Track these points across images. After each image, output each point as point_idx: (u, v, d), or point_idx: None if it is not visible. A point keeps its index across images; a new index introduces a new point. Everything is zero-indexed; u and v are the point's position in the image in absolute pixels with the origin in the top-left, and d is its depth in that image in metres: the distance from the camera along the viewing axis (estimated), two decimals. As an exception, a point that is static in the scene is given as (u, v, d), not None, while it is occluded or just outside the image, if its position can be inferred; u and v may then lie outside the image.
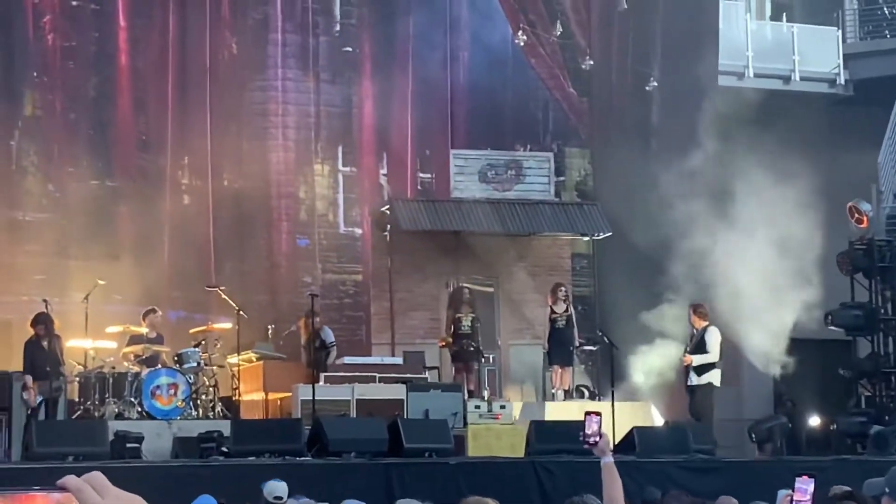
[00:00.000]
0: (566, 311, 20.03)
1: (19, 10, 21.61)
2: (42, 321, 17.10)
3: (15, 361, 17.72)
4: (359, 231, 23.52)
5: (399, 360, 19.91)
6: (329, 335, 19.54)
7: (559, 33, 23.54)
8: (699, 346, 18.56)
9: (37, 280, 20.92)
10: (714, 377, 18.55)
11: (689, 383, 18.63)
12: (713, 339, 18.55)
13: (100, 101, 22.14)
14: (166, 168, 22.21)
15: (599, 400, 19.54)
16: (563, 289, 20.37)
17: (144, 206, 21.76)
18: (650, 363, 19.61)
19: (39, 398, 16.64)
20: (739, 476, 15.71)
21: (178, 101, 22.39)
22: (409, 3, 23.53)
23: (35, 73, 21.85)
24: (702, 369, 18.46)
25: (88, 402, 17.28)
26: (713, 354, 18.50)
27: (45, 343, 16.95)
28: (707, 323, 18.69)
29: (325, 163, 23.56)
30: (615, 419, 16.54)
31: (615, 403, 17.64)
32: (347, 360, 19.28)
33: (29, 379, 16.82)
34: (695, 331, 18.77)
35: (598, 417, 6.69)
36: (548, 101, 24.26)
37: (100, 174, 21.93)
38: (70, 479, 2.48)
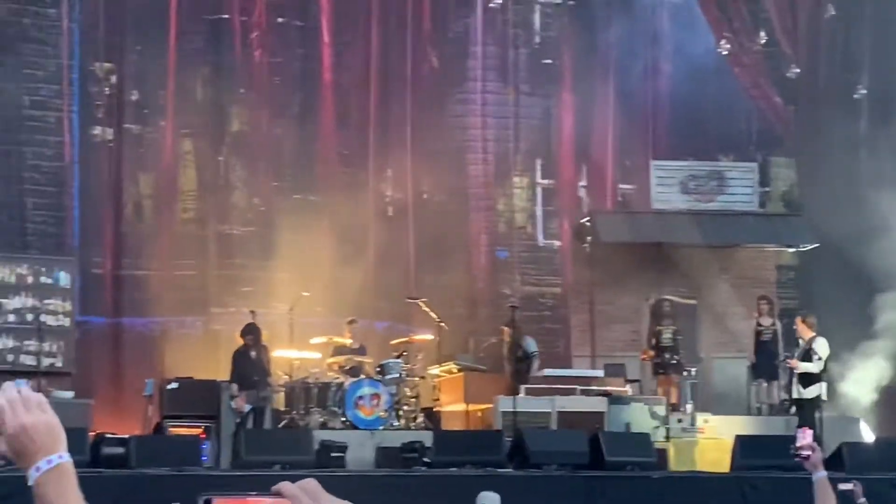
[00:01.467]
0: (772, 324, 19.70)
1: (228, 28, 22.14)
2: (251, 332, 17.47)
3: (223, 371, 18.13)
4: (557, 243, 23.44)
5: (600, 373, 19.77)
6: (531, 345, 19.52)
7: (764, 42, 23.15)
8: (805, 357, 18.10)
9: (244, 292, 21.37)
10: (821, 390, 18.00)
11: (794, 396, 18.18)
12: (821, 349, 18.04)
13: (304, 116, 22.52)
14: (368, 181, 22.47)
15: (806, 415, 19.09)
16: (767, 302, 20.01)
17: (347, 220, 22.04)
18: (863, 377, 19.11)
19: (248, 407, 16.98)
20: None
21: (379, 116, 22.66)
22: (610, 14, 23.37)
23: (242, 90, 22.35)
24: (807, 381, 17.90)
25: (294, 412, 17.56)
26: (817, 365, 17.96)
27: (252, 353, 17.31)
28: (814, 334, 18.20)
29: (524, 175, 23.56)
30: (823, 434, 16.14)
31: (823, 418, 17.22)
32: (548, 372, 19.22)
33: (235, 388, 17.18)
34: (801, 341, 18.34)
35: (811, 431, 6.53)
36: (752, 111, 23.84)
37: (303, 188, 22.29)
38: (285, 486, 2.50)
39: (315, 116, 22.49)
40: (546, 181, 23.60)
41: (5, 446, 2.87)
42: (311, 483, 2.52)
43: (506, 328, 19.37)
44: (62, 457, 2.84)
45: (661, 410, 18.09)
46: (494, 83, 23.32)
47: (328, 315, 20.01)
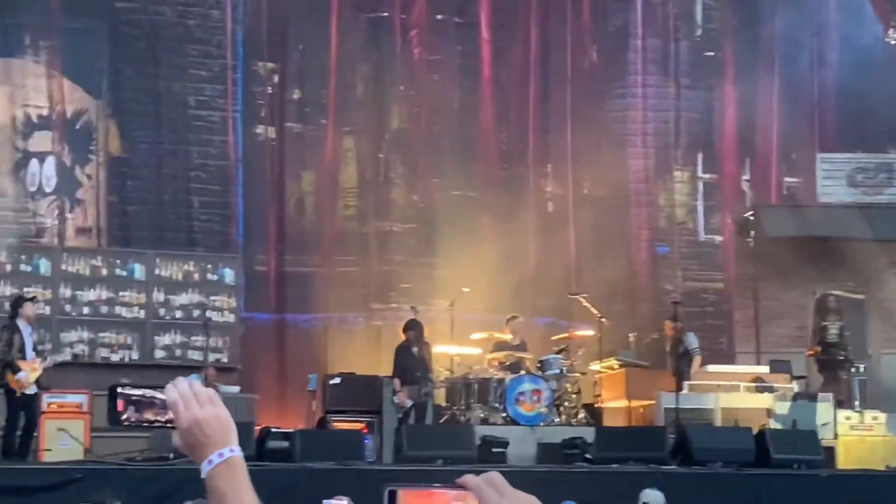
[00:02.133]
0: (944, 319, 19.19)
1: (388, 26, 22.30)
2: (412, 327, 17.55)
3: (384, 367, 18.25)
4: (719, 238, 23.15)
5: (765, 369, 19.42)
6: (693, 341, 19.26)
7: (934, 30, 22.57)
8: None
9: (404, 288, 21.51)
10: None
11: None
12: None
13: (463, 112, 22.58)
14: (528, 177, 22.44)
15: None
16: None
17: (506, 216, 22.04)
18: None
19: (409, 402, 17.06)
20: None
21: (539, 111, 22.62)
22: (775, 5, 22.97)
23: (402, 87, 22.49)
24: None
25: (455, 408, 17.60)
26: None
27: (414, 349, 17.38)
28: None
29: (685, 169, 23.31)
30: None
31: None
32: (711, 368, 18.95)
33: (397, 383, 17.28)
34: None
35: None
36: (922, 102, 23.24)
37: (462, 185, 22.34)
38: (470, 479, 2.48)
39: (474, 113, 22.53)
40: (707, 175, 23.33)
41: (178, 440, 2.89)
42: (496, 476, 2.50)
43: (669, 323, 19.14)
44: (233, 450, 2.86)
45: (828, 408, 17.69)
46: (655, 76, 23.12)
47: (488, 311, 20.02)
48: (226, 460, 2.84)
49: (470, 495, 2.46)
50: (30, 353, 15.63)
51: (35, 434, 15.54)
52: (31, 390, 15.55)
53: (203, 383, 3.14)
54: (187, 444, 2.88)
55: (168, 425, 2.97)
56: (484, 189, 22.34)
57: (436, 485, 2.48)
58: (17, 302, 16.22)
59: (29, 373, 15.45)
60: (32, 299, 16.45)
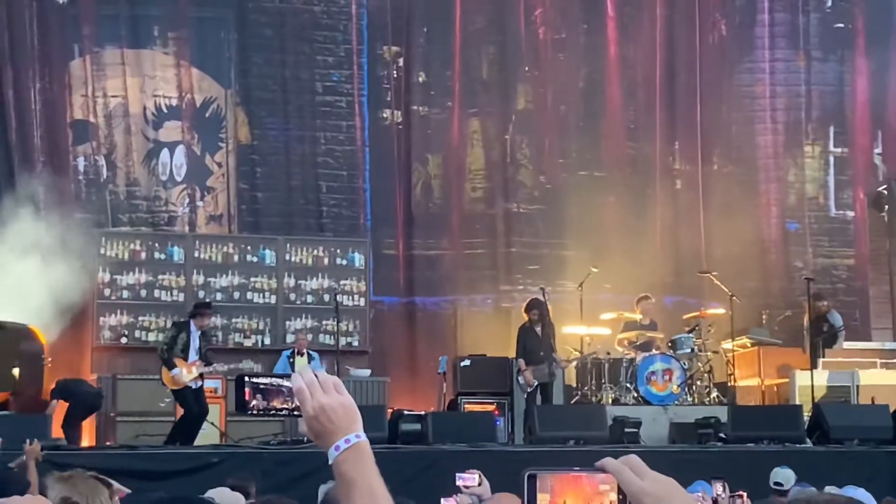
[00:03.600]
0: None
1: (511, 7, 22.25)
2: (535, 306, 17.47)
3: (514, 348, 18.22)
4: (850, 214, 22.76)
5: (902, 346, 19.09)
6: (838, 319, 18.98)
7: None
8: None
9: (532, 269, 21.48)
10: None
11: None
12: None
13: (589, 91, 22.45)
14: (655, 155, 22.26)
15: None
16: None
17: (633, 195, 21.91)
18: None
19: (535, 382, 17.01)
20: None
21: (666, 88, 22.41)
22: (906, -27, 22.54)
23: (527, 68, 22.42)
24: None
25: (585, 388, 17.57)
26: None
27: (538, 328, 17.32)
28: None
29: (816, 144, 22.95)
30: None
31: None
32: (847, 345, 18.67)
33: (522, 363, 17.23)
34: None
35: None
36: None
37: (589, 165, 22.23)
38: (609, 461, 2.48)
39: (601, 91, 22.39)
40: (839, 149, 22.94)
41: (305, 427, 2.93)
42: (635, 459, 2.50)
43: (817, 301, 18.80)
44: (359, 436, 2.90)
45: (967, 384, 17.33)
46: (784, 50, 22.78)
47: (617, 291, 19.92)
48: (352, 446, 2.89)
49: (610, 478, 2.45)
50: (193, 355, 15.93)
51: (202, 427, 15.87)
52: (195, 385, 15.87)
53: (329, 370, 3.18)
54: (314, 431, 2.93)
55: (294, 413, 3.02)
56: (611, 168, 22.21)
57: (575, 468, 2.47)
58: (197, 307, 16.66)
59: (183, 371, 15.74)
60: (209, 307, 16.80)
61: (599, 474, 2.45)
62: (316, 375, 2.95)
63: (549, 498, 2.45)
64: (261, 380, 3.21)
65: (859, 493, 8.48)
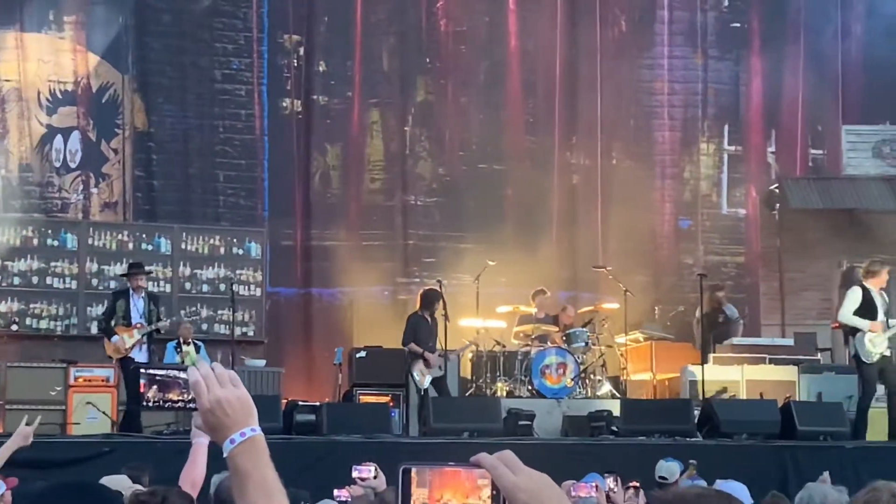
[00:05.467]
0: (970, 291, 19.05)
1: (414, -2, 22.27)
2: (430, 296, 17.42)
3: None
4: (742, 211, 23.10)
5: (790, 342, 19.42)
6: (733, 311, 19.25)
7: (961, 0, 22.41)
8: None
9: (428, 262, 21.53)
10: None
11: None
12: None
13: (489, 84, 22.53)
14: (554, 149, 22.40)
15: None
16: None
17: (532, 188, 22.03)
18: None
19: (428, 378, 16.95)
20: None
21: (566, 82, 22.55)
22: (801, -25, 22.90)
23: (428, 60, 22.46)
24: None
25: (480, 380, 17.64)
26: None
27: (429, 319, 17.23)
28: None
29: (711, 142, 23.25)
30: None
31: None
32: (736, 341, 18.96)
33: (414, 346, 17.06)
34: None
35: None
36: (948, 73, 23.10)
37: (488, 157, 22.32)
38: (483, 457, 2.50)
39: (501, 85, 22.48)
40: (733, 147, 23.25)
41: (200, 421, 2.95)
42: (509, 454, 2.52)
43: (717, 293, 19.04)
44: (255, 430, 2.93)
45: (853, 380, 17.65)
46: (682, 48, 23.05)
47: (512, 285, 20.02)
48: (247, 439, 2.91)
49: (484, 473, 2.47)
50: (136, 319, 15.66)
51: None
52: (140, 357, 15.55)
53: (224, 362, 3.19)
54: (209, 425, 2.95)
55: (189, 406, 3.04)
56: (510, 161, 22.32)
57: (450, 463, 2.49)
58: (129, 269, 16.35)
59: (124, 336, 15.43)
60: (137, 268, 16.34)
61: (464, 469, 2.48)
62: (212, 368, 2.97)
63: (428, 492, 2.47)
64: (157, 371, 3.21)
65: (734, 486, 8.61)
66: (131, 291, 15.89)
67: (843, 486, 8.05)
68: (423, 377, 16.72)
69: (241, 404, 2.95)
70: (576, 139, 22.61)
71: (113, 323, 15.69)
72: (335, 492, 7.33)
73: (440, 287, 17.47)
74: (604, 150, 22.49)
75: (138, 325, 15.56)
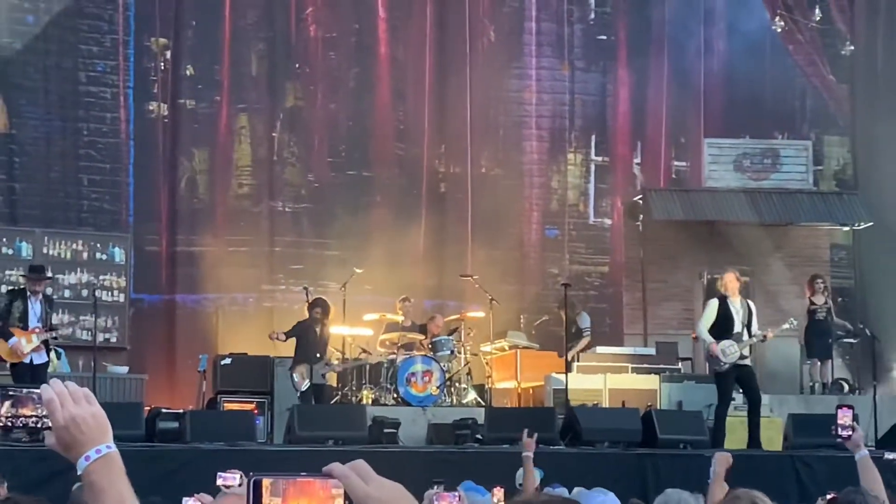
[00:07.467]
0: (825, 303, 19.53)
1: (283, 4, 22.19)
2: (319, 305, 17.40)
3: (275, 347, 18.16)
4: (608, 221, 23.39)
5: (652, 351, 19.71)
6: (585, 320, 19.48)
7: (818, 19, 22.94)
8: None
9: (295, 269, 21.47)
10: None
11: None
12: None
13: (359, 91, 22.55)
14: (423, 157, 22.47)
15: (859, 394, 18.99)
16: (821, 280, 19.84)
17: (400, 196, 22.08)
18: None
19: (307, 383, 16.91)
20: None
21: (436, 90, 22.64)
22: (664, -10, 23.27)
23: (297, 65, 22.40)
24: None
25: (346, 388, 17.62)
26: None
27: (317, 328, 17.24)
28: None
29: (578, 152, 23.52)
30: (877, 414, 16.03)
31: (877, 398, 17.10)
32: (599, 349, 19.20)
33: (280, 333, 17.07)
34: None
35: (850, 411, 6.54)
36: (805, 89, 23.66)
37: (357, 164, 22.33)
38: (336, 467, 2.52)
39: (370, 91, 22.51)
40: (600, 158, 23.54)
41: (53, 439, 2.94)
42: (361, 464, 2.55)
43: (571, 310, 19.25)
44: (110, 447, 2.93)
45: (713, 389, 17.97)
46: (549, 59, 23.28)
47: (378, 292, 20.04)
48: (103, 456, 2.91)
49: (337, 483, 2.49)
50: (34, 322, 15.30)
51: None
52: (39, 360, 15.18)
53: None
54: (63, 443, 2.93)
55: (41, 424, 3.02)
56: (379, 168, 22.35)
57: (302, 474, 2.51)
58: (28, 272, 16.02)
59: (22, 340, 15.07)
60: (37, 272, 16.02)
61: (317, 479, 2.50)
62: (66, 386, 2.95)
63: (282, 501, 2.48)
64: (10, 387, 3.18)
65: (609, 498, 8.63)
66: (28, 294, 15.57)
67: (701, 494, 8.19)
68: (301, 380, 16.72)
69: (95, 422, 2.93)
70: (445, 147, 22.71)
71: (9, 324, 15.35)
72: (184, 500, 7.26)
73: (307, 294, 17.45)
74: (473, 158, 22.63)
75: (36, 330, 15.29)
